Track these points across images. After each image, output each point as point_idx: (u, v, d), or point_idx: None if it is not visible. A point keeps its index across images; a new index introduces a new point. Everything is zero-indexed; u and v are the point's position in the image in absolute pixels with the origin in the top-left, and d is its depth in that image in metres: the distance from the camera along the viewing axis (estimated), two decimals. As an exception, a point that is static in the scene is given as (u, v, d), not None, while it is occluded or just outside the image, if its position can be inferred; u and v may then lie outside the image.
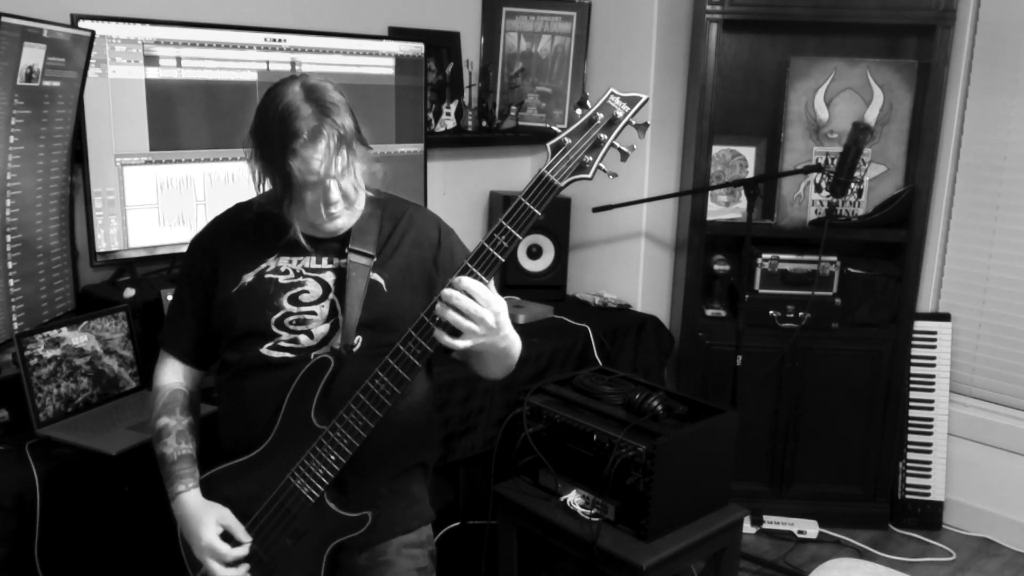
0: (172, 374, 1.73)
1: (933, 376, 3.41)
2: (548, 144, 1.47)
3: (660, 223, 3.47)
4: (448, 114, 3.26)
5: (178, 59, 2.43)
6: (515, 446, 2.54)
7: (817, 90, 3.20)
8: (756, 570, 3.07)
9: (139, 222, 2.41)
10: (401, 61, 2.95)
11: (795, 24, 3.23)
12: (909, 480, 3.43)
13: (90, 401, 2.08)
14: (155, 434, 1.67)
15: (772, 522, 3.31)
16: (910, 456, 3.43)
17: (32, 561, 1.72)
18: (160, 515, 1.76)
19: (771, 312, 3.24)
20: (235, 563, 1.59)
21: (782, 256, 3.24)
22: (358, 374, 1.54)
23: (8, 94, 1.88)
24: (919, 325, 3.37)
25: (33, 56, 1.92)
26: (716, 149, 3.27)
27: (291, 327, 1.62)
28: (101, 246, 2.35)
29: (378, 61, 2.89)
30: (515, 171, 3.66)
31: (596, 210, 3.16)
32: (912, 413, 3.42)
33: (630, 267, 3.49)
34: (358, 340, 1.60)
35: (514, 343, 1.63)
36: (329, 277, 1.64)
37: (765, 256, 3.23)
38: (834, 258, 3.23)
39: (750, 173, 3.35)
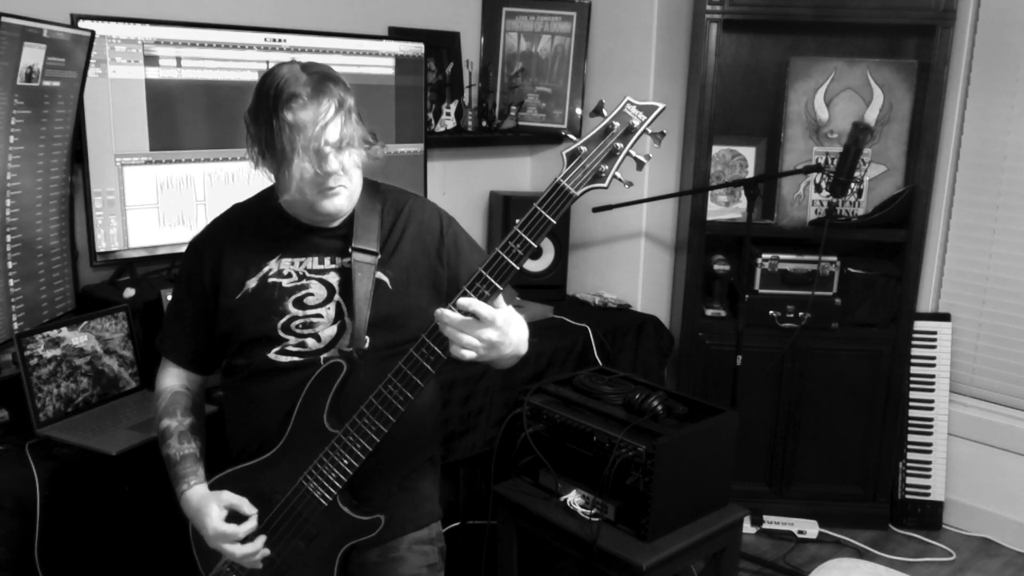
0: (173, 377, 1.73)
1: (933, 376, 3.41)
2: (563, 152, 1.45)
3: (660, 223, 3.47)
4: (448, 114, 3.26)
5: (178, 59, 2.43)
6: (515, 446, 2.54)
7: (817, 90, 3.20)
8: (756, 570, 3.07)
9: (139, 222, 2.41)
10: (401, 61, 2.95)
11: (795, 24, 3.23)
12: (909, 480, 3.43)
13: (90, 401, 2.08)
14: (159, 436, 1.68)
15: (772, 522, 3.31)
16: (910, 456, 3.43)
17: (32, 561, 1.72)
18: (160, 515, 1.76)
19: (771, 312, 3.24)
20: (248, 539, 1.58)
21: (782, 256, 3.24)
22: (369, 376, 1.54)
23: (8, 94, 1.88)
24: (919, 325, 3.37)
25: (33, 56, 1.92)
26: (716, 149, 3.27)
27: (298, 331, 1.61)
28: (101, 246, 2.35)
29: (378, 61, 2.89)
30: (515, 171, 3.66)
31: (596, 210, 3.16)
32: (912, 413, 3.42)
33: (630, 267, 3.49)
34: (366, 341, 1.60)
35: (521, 344, 1.60)
36: (333, 278, 1.63)
37: (765, 256, 3.23)
38: (834, 258, 3.23)
39: (750, 173, 3.35)
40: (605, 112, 1.45)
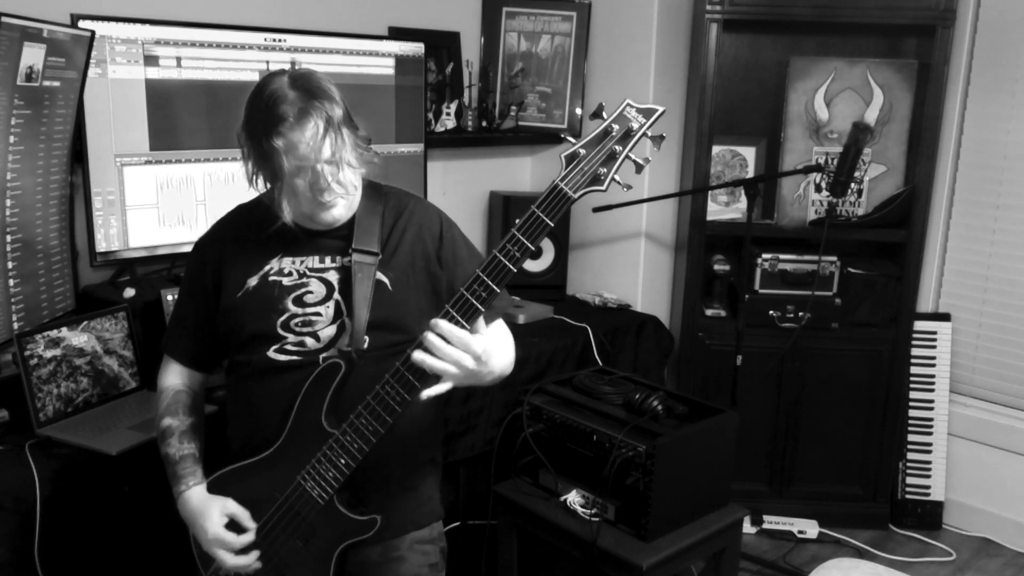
0: (175, 375, 1.73)
1: (933, 376, 3.41)
2: (562, 155, 1.45)
3: (660, 223, 3.47)
4: (448, 114, 3.26)
5: (178, 59, 2.43)
6: (515, 446, 2.54)
7: (817, 90, 3.20)
8: (756, 570, 3.07)
9: (139, 222, 2.41)
10: (401, 61, 2.95)
11: (795, 24, 3.23)
12: (909, 480, 3.43)
13: (90, 401, 2.08)
14: (159, 435, 1.68)
15: (772, 522, 3.31)
16: (910, 456, 3.43)
17: (32, 561, 1.72)
18: (160, 515, 1.76)
19: (771, 312, 3.24)
20: (244, 551, 1.59)
21: (782, 256, 3.24)
22: (368, 376, 1.54)
23: (8, 94, 1.88)
24: (919, 325, 3.37)
25: (33, 56, 1.92)
26: (716, 149, 3.27)
27: (297, 329, 1.62)
28: (101, 246, 2.34)
29: (378, 61, 2.89)
30: (515, 171, 3.66)
31: (596, 210, 3.16)
32: (912, 413, 3.42)
33: (630, 267, 3.49)
34: (365, 341, 1.60)
35: (505, 369, 1.63)
36: (333, 277, 1.64)
37: (765, 256, 3.23)
38: (834, 258, 3.23)
39: (750, 173, 3.35)
40: (605, 115, 1.44)
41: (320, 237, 1.65)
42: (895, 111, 3.19)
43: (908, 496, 3.43)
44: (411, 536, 1.72)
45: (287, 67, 2.59)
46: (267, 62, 2.60)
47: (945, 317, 3.42)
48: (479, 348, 1.46)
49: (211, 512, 1.59)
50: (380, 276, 1.63)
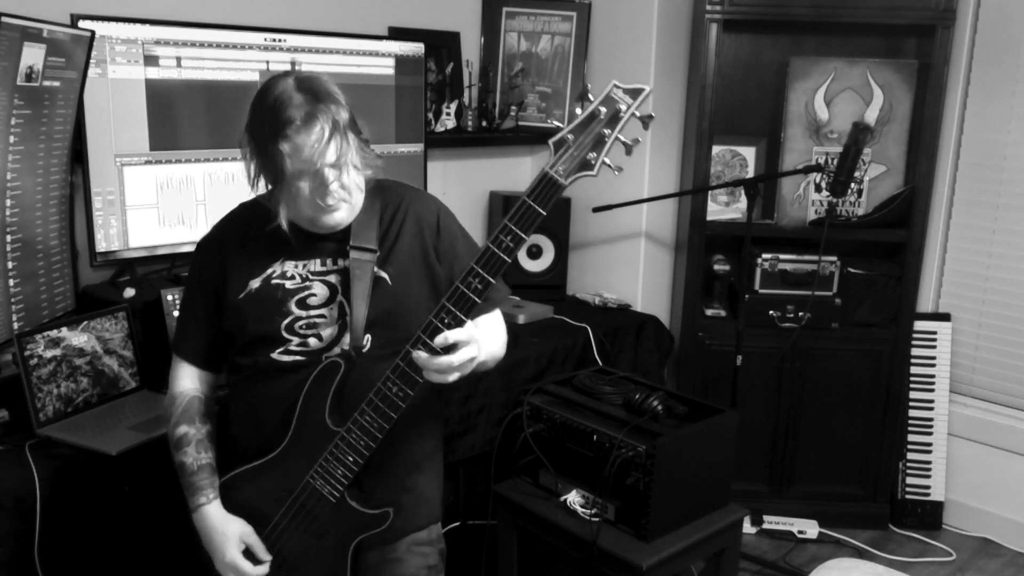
0: (187, 379, 1.72)
1: (933, 376, 3.41)
2: (550, 141, 1.43)
3: (660, 223, 3.47)
4: (448, 114, 3.26)
5: (178, 59, 2.43)
6: (515, 446, 2.54)
7: (817, 90, 3.20)
8: (756, 570, 3.07)
9: (139, 222, 2.41)
10: (401, 61, 2.95)
11: (795, 24, 3.23)
12: (909, 480, 3.43)
13: (90, 401, 2.08)
14: (174, 442, 1.67)
15: (772, 522, 3.31)
16: (910, 456, 3.43)
17: (32, 561, 1.72)
18: (160, 515, 1.76)
19: (771, 312, 3.24)
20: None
21: (782, 256, 3.24)
22: (370, 374, 1.54)
23: (8, 94, 1.88)
24: (919, 325, 3.37)
25: (33, 56, 1.92)
26: (716, 149, 3.27)
27: (301, 331, 1.62)
28: (101, 246, 2.34)
29: (378, 61, 2.89)
30: (515, 171, 3.66)
31: (596, 210, 3.16)
32: (912, 413, 3.42)
33: (630, 267, 3.49)
34: (367, 340, 1.60)
35: (496, 353, 1.66)
36: (335, 279, 1.63)
37: (765, 256, 3.24)
38: (834, 258, 3.23)
39: (750, 173, 3.35)
40: (591, 97, 1.42)
41: (321, 240, 1.65)
42: (895, 111, 3.19)
43: (908, 496, 3.43)
44: (409, 538, 1.72)
45: (288, 68, 2.63)
46: (267, 62, 2.60)
47: (945, 317, 3.42)
48: (467, 356, 1.48)
49: (230, 536, 1.60)
50: (379, 272, 1.63)
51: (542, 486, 2.51)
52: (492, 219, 3.51)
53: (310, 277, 1.64)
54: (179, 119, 2.45)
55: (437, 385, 1.52)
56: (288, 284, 1.63)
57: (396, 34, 3.12)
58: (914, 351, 3.37)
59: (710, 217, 3.27)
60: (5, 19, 1.79)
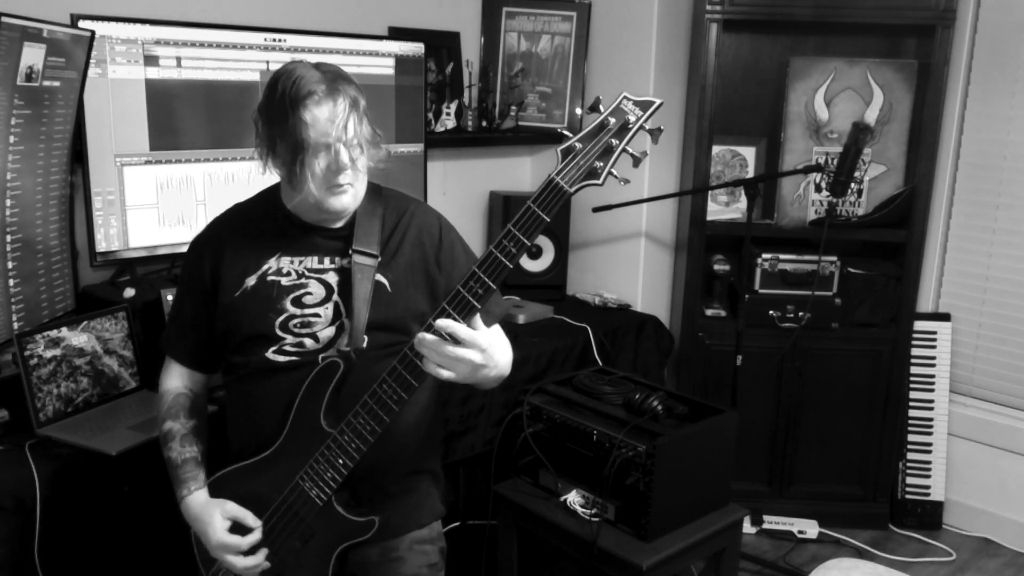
0: (176, 377, 1.73)
1: (933, 376, 3.41)
2: (558, 149, 1.43)
3: (660, 223, 3.47)
4: (448, 114, 3.26)
5: (178, 59, 2.43)
6: (515, 446, 2.54)
7: (817, 90, 3.20)
8: (756, 570, 3.07)
9: (139, 222, 2.41)
10: (401, 61, 2.95)
11: (795, 24, 3.23)
12: (909, 480, 3.43)
13: (90, 401, 2.08)
14: (161, 438, 1.68)
15: (772, 522, 3.31)
16: (910, 456, 3.43)
17: (32, 561, 1.72)
18: (160, 515, 1.76)
19: (771, 312, 3.24)
20: (251, 550, 1.59)
21: (782, 256, 3.24)
22: (366, 377, 1.54)
23: (8, 94, 1.88)
24: (919, 325, 3.37)
25: (33, 56, 1.92)
26: (716, 149, 3.27)
27: (295, 330, 1.62)
28: (101, 246, 2.34)
29: (378, 61, 2.89)
30: (515, 171, 3.66)
31: (596, 210, 3.16)
32: (912, 413, 3.42)
33: (630, 267, 3.49)
34: (364, 341, 1.60)
35: (506, 366, 1.61)
36: (332, 278, 1.63)
37: (765, 256, 3.23)
38: (834, 258, 3.23)
39: (750, 173, 3.35)
40: (601, 108, 1.43)
41: (319, 236, 1.65)
42: (895, 111, 3.19)
43: (908, 496, 3.43)
44: (411, 536, 1.72)
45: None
46: (267, 62, 2.60)
47: (945, 317, 3.42)
48: (484, 342, 1.45)
49: (212, 517, 1.59)
50: (379, 277, 1.63)
51: (542, 486, 2.51)
52: (492, 219, 3.51)
53: (306, 274, 1.63)
54: (179, 119, 2.45)
55: (436, 381, 1.51)
56: (284, 281, 1.63)
57: (396, 34, 3.12)
58: (914, 351, 3.37)
59: (710, 217, 3.27)
60: (5, 19, 1.79)
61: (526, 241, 1.42)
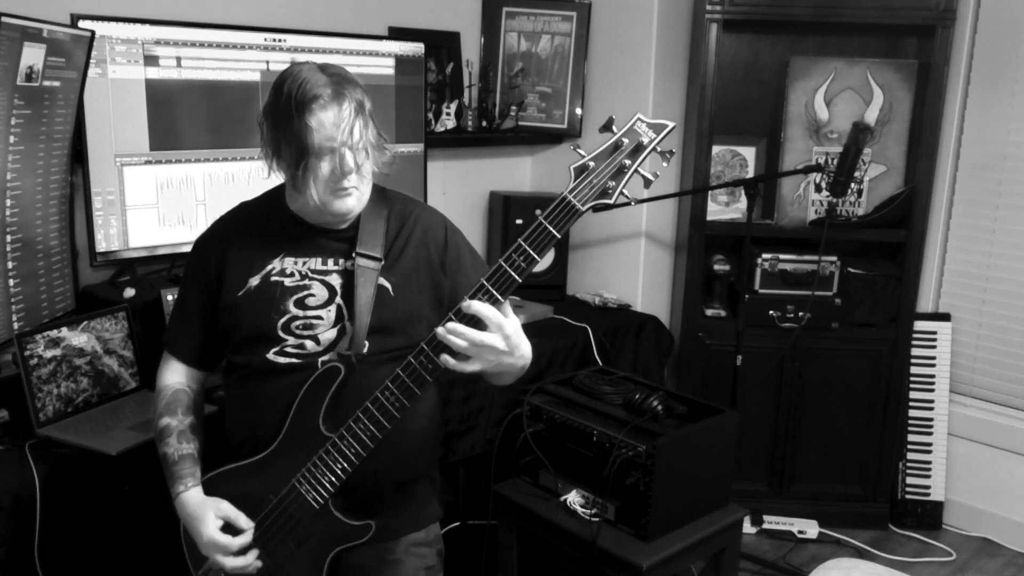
0: (175, 374, 1.73)
1: (933, 376, 3.41)
2: (571, 167, 1.45)
3: (660, 223, 3.47)
4: (448, 114, 3.26)
5: (178, 59, 2.43)
6: (515, 446, 2.54)
7: (817, 90, 3.20)
8: (756, 570, 3.07)
9: (139, 222, 2.41)
10: (401, 61, 2.95)
11: (795, 24, 3.23)
12: (909, 480, 3.43)
13: (90, 401, 2.08)
14: (157, 434, 1.68)
15: (772, 522, 3.31)
16: (910, 456, 3.43)
17: (32, 561, 1.72)
18: (160, 515, 1.76)
19: (771, 312, 3.24)
20: (242, 551, 1.59)
21: (782, 256, 3.24)
22: (367, 381, 1.54)
23: (8, 94, 1.88)
24: (919, 325, 3.37)
25: (33, 56, 1.92)
26: (716, 149, 3.27)
27: (297, 332, 1.61)
28: (101, 246, 2.34)
29: (378, 61, 2.89)
30: (515, 171, 3.66)
31: (596, 210, 3.15)
32: (912, 413, 3.42)
33: (630, 267, 3.49)
34: (365, 345, 1.60)
35: (526, 355, 1.61)
36: (335, 280, 1.63)
37: (765, 256, 3.23)
38: (834, 258, 3.23)
39: (750, 173, 3.35)
40: (615, 128, 1.45)
41: (323, 237, 1.65)
42: (895, 111, 3.19)
43: (908, 496, 3.43)
44: (408, 539, 1.72)
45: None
46: (267, 62, 2.60)
47: (945, 317, 3.42)
48: (509, 327, 1.46)
49: (205, 516, 1.59)
50: (382, 281, 1.62)
51: (542, 486, 2.51)
52: (492, 219, 3.51)
53: (310, 275, 1.63)
54: (179, 119, 2.45)
55: (437, 387, 1.51)
56: (287, 282, 1.62)
57: (396, 34, 3.12)
58: (914, 351, 3.37)
59: (710, 217, 3.27)
60: (5, 19, 1.79)
61: (536, 256, 1.45)
